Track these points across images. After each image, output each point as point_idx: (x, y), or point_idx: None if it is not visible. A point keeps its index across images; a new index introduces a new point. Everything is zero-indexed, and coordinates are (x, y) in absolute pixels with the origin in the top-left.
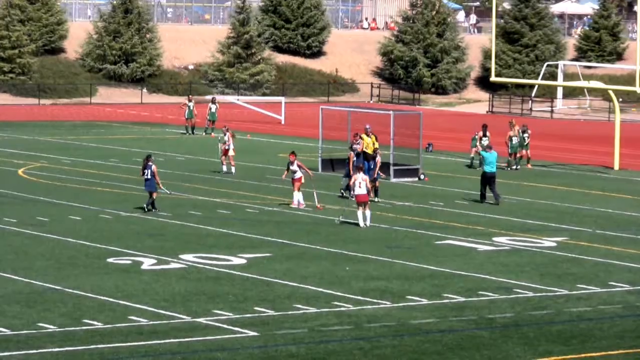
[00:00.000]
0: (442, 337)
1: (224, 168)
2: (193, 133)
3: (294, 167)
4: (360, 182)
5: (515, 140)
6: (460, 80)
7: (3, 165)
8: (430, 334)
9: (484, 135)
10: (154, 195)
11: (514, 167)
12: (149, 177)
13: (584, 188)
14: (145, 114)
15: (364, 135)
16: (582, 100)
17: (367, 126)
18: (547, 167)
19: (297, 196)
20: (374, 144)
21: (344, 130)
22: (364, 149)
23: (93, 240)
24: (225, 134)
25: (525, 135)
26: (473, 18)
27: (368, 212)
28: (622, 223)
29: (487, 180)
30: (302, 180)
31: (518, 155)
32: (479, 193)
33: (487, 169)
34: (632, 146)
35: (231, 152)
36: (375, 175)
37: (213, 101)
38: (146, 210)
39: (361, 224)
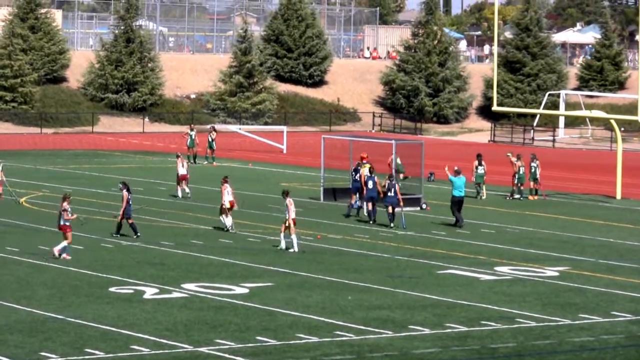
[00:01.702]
0: None
1: (180, 193)
2: (195, 162)
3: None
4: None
5: (522, 170)
6: (462, 110)
7: (5, 195)
8: None
9: (479, 164)
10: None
11: (517, 196)
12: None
13: (586, 217)
14: (147, 143)
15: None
16: (584, 129)
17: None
18: (549, 197)
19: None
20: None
21: (345, 159)
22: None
23: (95, 269)
24: (178, 159)
25: (534, 164)
26: (487, 49)
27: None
28: (624, 252)
29: (456, 204)
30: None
31: (525, 186)
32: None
33: (456, 193)
34: (634, 175)
35: (183, 172)
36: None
37: (210, 130)
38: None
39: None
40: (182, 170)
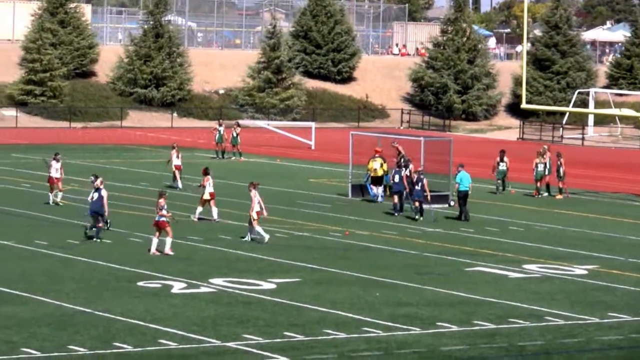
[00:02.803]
0: None
1: (179, 184)
2: (223, 157)
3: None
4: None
5: (540, 167)
6: (490, 107)
7: (34, 188)
8: None
9: (501, 160)
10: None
11: (542, 194)
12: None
13: (615, 216)
14: (176, 138)
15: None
16: (614, 127)
17: (377, 148)
18: (577, 195)
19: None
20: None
21: (384, 157)
22: (373, 174)
23: (123, 263)
24: (172, 150)
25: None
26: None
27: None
28: None
29: (460, 198)
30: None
31: (542, 183)
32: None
33: (460, 187)
34: None
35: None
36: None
37: (235, 126)
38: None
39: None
40: (176, 161)
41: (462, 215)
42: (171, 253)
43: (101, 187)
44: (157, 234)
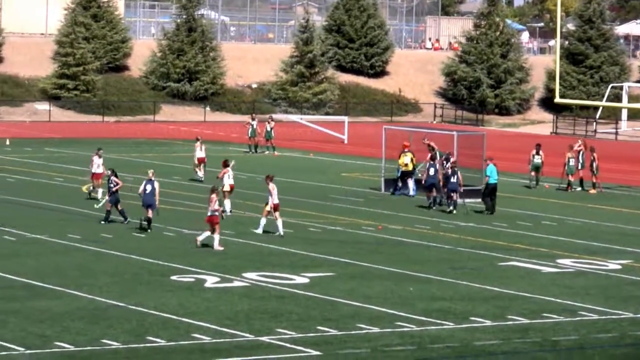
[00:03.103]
0: (506, 358)
1: (200, 176)
2: (256, 151)
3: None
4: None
5: (572, 162)
6: (524, 101)
7: (67, 182)
8: (494, 355)
9: (537, 154)
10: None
11: (574, 188)
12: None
13: None
14: (209, 132)
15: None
16: None
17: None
18: (611, 189)
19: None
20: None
21: (412, 151)
22: (404, 169)
23: (156, 257)
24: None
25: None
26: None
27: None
28: None
29: (490, 191)
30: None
31: (574, 177)
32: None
33: (490, 180)
34: None
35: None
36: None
37: (269, 120)
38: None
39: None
40: (200, 154)
41: (488, 208)
42: (221, 248)
43: (153, 178)
44: (210, 228)
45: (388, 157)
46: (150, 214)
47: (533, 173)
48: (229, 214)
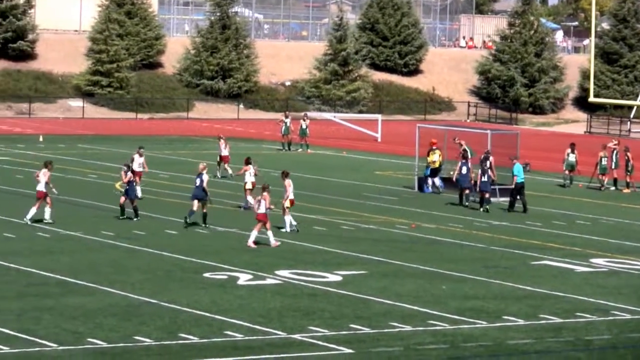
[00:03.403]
0: (538, 358)
1: (226, 172)
2: (289, 149)
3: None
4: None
5: (604, 161)
6: (558, 100)
7: (101, 179)
8: (527, 354)
9: (572, 152)
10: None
11: (608, 187)
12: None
13: None
14: (242, 130)
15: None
16: None
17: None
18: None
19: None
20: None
21: (440, 148)
22: (433, 166)
23: (189, 254)
24: (220, 141)
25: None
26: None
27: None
28: None
29: (517, 190)
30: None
31: (608, 176)
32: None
33: (518, 179)
34: None
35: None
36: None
37: (304, 118)
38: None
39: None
40: (224, 152)
41: (522, 206)
42: (277, 244)
43: (203, 172)
44: (258, 226)
45: (422, 155)
46: (195, 206)
47: (567, 172)
48: (245, 208)
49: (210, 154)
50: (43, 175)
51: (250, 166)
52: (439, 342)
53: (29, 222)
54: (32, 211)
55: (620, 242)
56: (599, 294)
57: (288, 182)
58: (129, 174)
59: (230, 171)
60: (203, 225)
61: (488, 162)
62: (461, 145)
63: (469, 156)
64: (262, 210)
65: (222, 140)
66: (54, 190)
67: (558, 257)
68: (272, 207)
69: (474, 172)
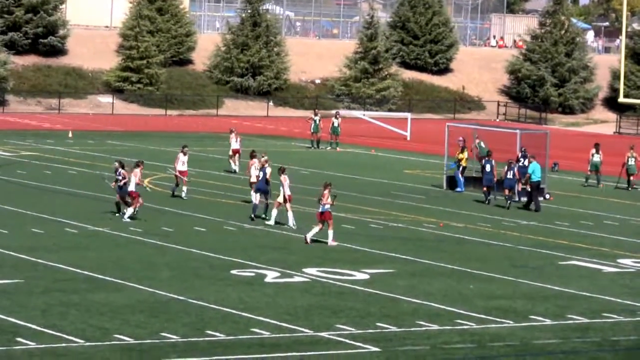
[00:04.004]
0: (565, 358)
1: (234, 167)
2: (318, 147)
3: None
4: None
5: (631, 161)
6: (587, 101)
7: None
8: (554, 354)
9: (597, 152)
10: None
11: (636, 187)
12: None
13: None
14: (271, 127)
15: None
16: None
17: (460, 139)
18: None
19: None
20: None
21: (469, 147)
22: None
23: (217, 251)
24: (231, 134)
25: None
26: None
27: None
28: None
29: (532, 188)
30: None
31: (635, 177)
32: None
33: (533, 178)
34: None
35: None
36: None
37: (336, 115)
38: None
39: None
40: (235, 145)
41: (532, 205)
42: (335, 244)
43: (266, 165)
44: (320, 225)
45: (451, 154)
46: (257, 199)
47: (592, 172)
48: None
49: (242, 151)
50: (134, 176)
51: (256, 160)
52: (465, 342)
53: (128, 220)
54: (130, 210)
55: None
56: (626, 294)
57: (284, 178)
58: (122, 171)
59: (234, 166)
60: (264, 217)
61: (526, 161)
62: (479, 144)
63: (482, 154)
64: (324, 208)
65: (233, 134)
66: (147, 189)
67: (586, 257)
68: (333, 203)
69: (498, 170)
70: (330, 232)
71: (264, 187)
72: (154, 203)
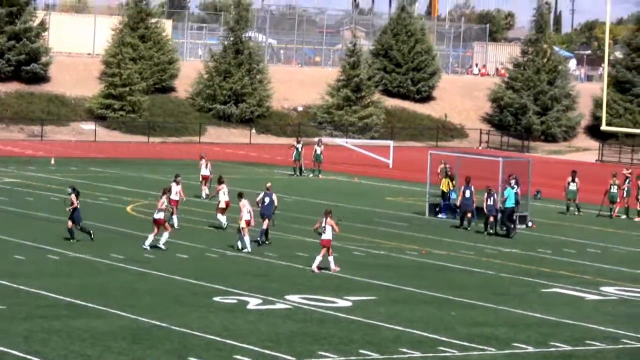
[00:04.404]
0: None
1: (203, 194)
2: (301, 174)
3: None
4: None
5: (614, 189)
6: (570, 129)
7: (112, 202)
8: None
9: (572, 181)
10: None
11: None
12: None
13: None
14: (254, 155)
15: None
16: None
17: (447, 166)
18: None
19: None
20: (448, 184)
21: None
22: (442, 188)
23: (199, 278)
24: (201, 160)
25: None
26: (602, 69)
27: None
28: None
29: (505, 215)
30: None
31: (619, 205)
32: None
33: (507, 203)
34: None
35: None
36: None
37: (318, 143)
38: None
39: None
40: (204, 171)
41: (507, 230)
42: (337, 269)
43: (271, 191)
44: (323, 251)
45: (433, 182)
46: (266, 224)
47: (571, 200)
48: (224, 228)
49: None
50: (159, 204)
51: (224, 185)
52: None
53: (148, 247)
54: (166, 235)
55: (632, 270)
56: (609, 322)
57: (243, 203)
58: (73, 197)
59: (205, 192)
60: (264, 240)
61: (518, 189)
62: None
63: (448, 177)
64: (327, 236)
65: (203, 160)
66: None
67: (568, 284)
68: (337, 229)
69: (477, 197)
70: (331, 258)
71: (270, 212)
72: (136, 229)
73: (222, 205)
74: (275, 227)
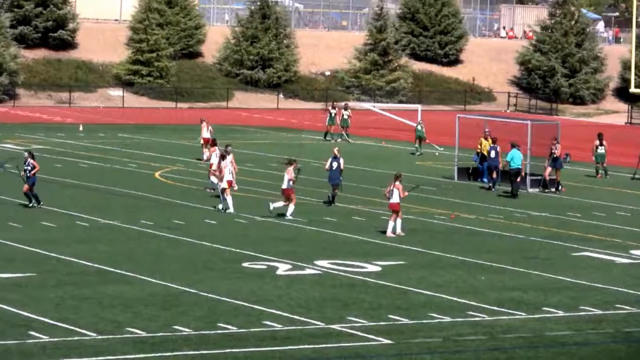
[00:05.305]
0: (578, 350)
1: (204, 156)
2: (332, 139)
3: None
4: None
5: None
6: (598, 91)
7: (140, 168)
8: (566, 346)
9: (600, 144)
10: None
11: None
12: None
13: None
14: (281, 120)
15: (482, 139)
16: None
17: (486, 130)
18: None
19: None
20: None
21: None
22: (482, 152)
23: (228, 244)
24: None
25: None
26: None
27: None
28: None
29: (512, 175)
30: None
31: None
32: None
33: (512, 164)
34: None
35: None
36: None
37: (345, 108)
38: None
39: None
40: (205, 134)
41: (512, 191)
42: (403, 234)
43: (339, 155)
44: (394, 216)
45: (462, 145)
46: (335, 190)
47: (600, 164)
48: (231, 211)
49: (251, 144)
50: (287, 173)
51: (216, 147)
52: (478, 333)
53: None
54: (292, 207)
55: None
56: (639, 285)
57: (224, 164)
58: (31, 161)
59: (206, 155)
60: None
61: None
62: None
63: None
64: (394, 199)
65: (204, 123)
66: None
67: (599, 248)
68: (406, 193)
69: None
70: (399, 222)
71: (336, 176)
72: (164, 196)
73: (225, 185)
74: (308, 192)
